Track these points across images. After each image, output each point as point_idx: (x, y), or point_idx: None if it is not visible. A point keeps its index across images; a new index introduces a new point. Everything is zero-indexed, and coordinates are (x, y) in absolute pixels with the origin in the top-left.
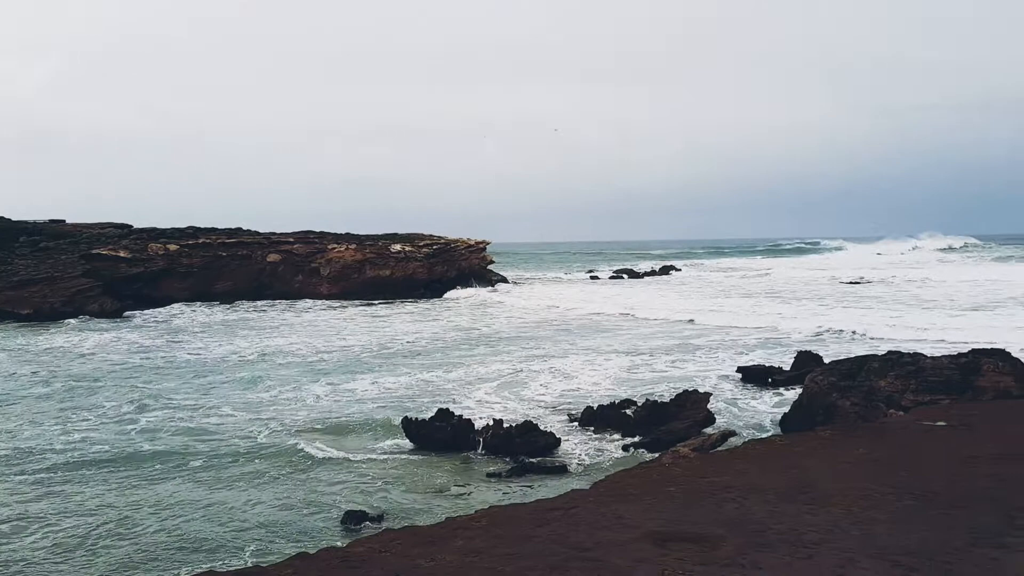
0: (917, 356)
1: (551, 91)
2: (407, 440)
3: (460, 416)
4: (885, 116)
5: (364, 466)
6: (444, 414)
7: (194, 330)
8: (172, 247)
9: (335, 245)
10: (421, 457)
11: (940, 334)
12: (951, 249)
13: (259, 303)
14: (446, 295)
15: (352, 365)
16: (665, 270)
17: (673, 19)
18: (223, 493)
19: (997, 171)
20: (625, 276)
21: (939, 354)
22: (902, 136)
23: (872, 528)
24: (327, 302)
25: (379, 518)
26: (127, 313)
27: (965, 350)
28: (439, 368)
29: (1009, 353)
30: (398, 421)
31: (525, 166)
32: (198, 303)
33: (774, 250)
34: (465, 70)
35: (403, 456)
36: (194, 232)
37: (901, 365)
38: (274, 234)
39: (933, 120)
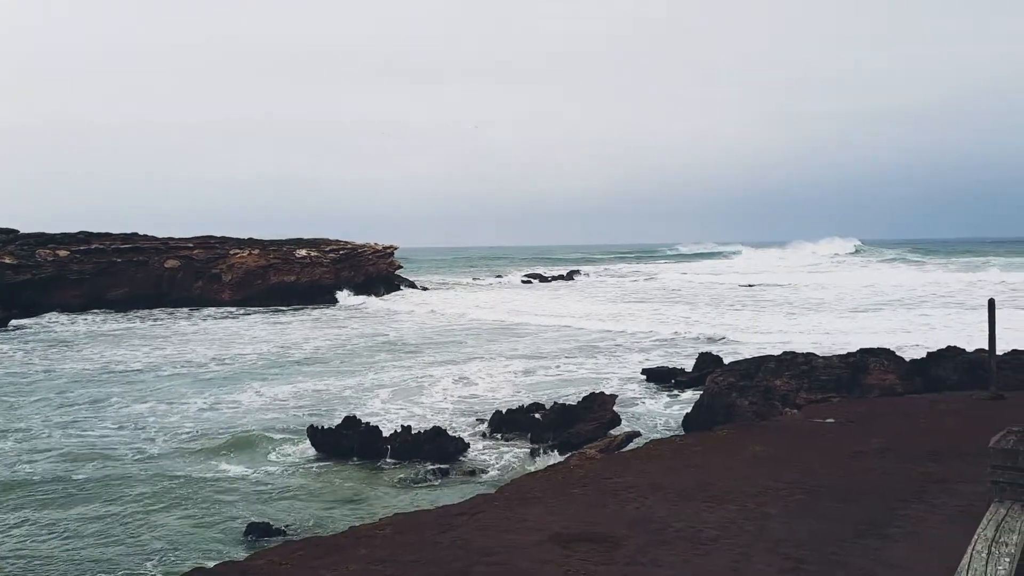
0: (810, 356)
1: (462, 92)
2: (311, 449)
3: (367, 423)
4: (786, 126)
5: (267, 477)
6: (351, 421)
7: (79, 340)
8: (62, 253)
9: (237, 250)
10: (327, 466)
11: (832, 335)
12: (845, 253)
13: (156, 311)
14: (352, 301)
15: (245, 374)
16: (571, 275)
17: (591, 21)
18: (117, 512)
19: (886, 178)
20: (534, 281)
21: (831, 354)
22: (799, 146)
23: (765, 523)
24: (229, 309)
25: (283, 530)
26: (13, 323)
27: (854, 349)
28: (337, 376)
29: (893, 352)
30: (296, 431)
31: (434, 169)
32: (90, 311)
33: (677, 255)
34: (371, 70)
35: (308, 466)
36: (86, 237)
37: (795, 365)
38: (172, 239)
39: (830, 129)
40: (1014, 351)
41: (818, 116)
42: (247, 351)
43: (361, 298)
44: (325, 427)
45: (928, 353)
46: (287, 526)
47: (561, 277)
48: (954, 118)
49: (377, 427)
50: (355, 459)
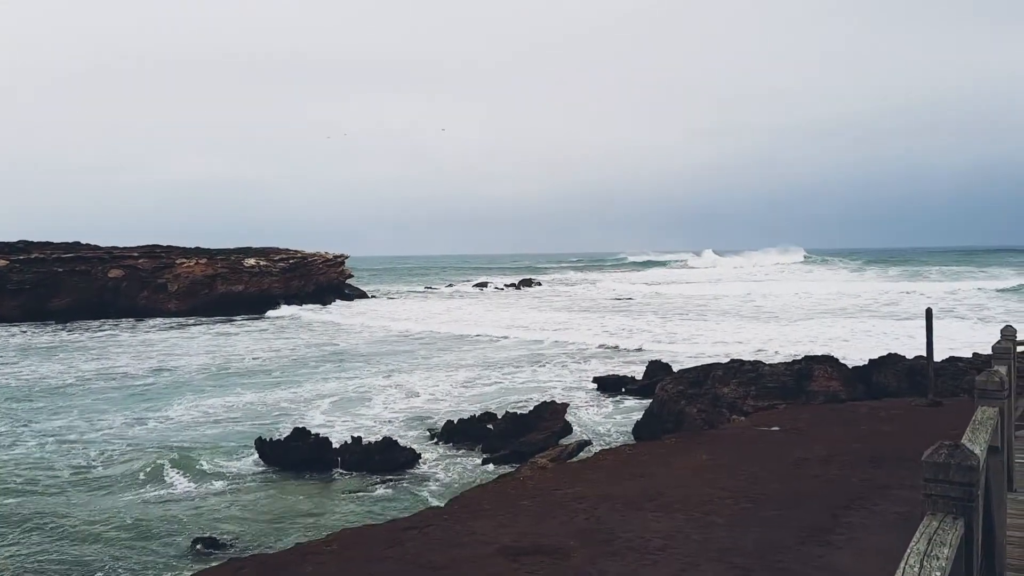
0: (757, 364)
1: (411, 102)
2: (253, 462)
3: (317, 434)
4: (728, 137)
5: (212, 491)
6: (300, 433)
7: (9, 353)
8: (1, 262)
9: (184, 260)
10: (275, 479)
11: (775, 343)
12: (792, 263)
13: (99, 322)
14: (302, 310)
15: (184, 387)
16: (522, 284)
17: (541, 32)
18: (55, 530)
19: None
20: (485, 289)
21: (776, 361)
22: (742, 157)
23: (712, 532)
24: (176, 319)
25: (231, 544)
26: None
27: (799, 356)
28: (278, 387)
29: (837, 359)
30: (238, 443)
31: (385, 177)
32: (30, 322)
33: (625, 264)
34: (321, 78)
35: (254, 479)
36: (26, 246)
37: (742, 372)
38: (116, 248)
39: (772, 142)
40: (951, 358)
41: (759, 128)
42: (187, 363)
43: (311, 307)
44: (273, 439)
45: (870, 360)
46: (235, 538)
47: (512, 286)
48: (890, 132)
49: (327, 438)
50: (304, 471)
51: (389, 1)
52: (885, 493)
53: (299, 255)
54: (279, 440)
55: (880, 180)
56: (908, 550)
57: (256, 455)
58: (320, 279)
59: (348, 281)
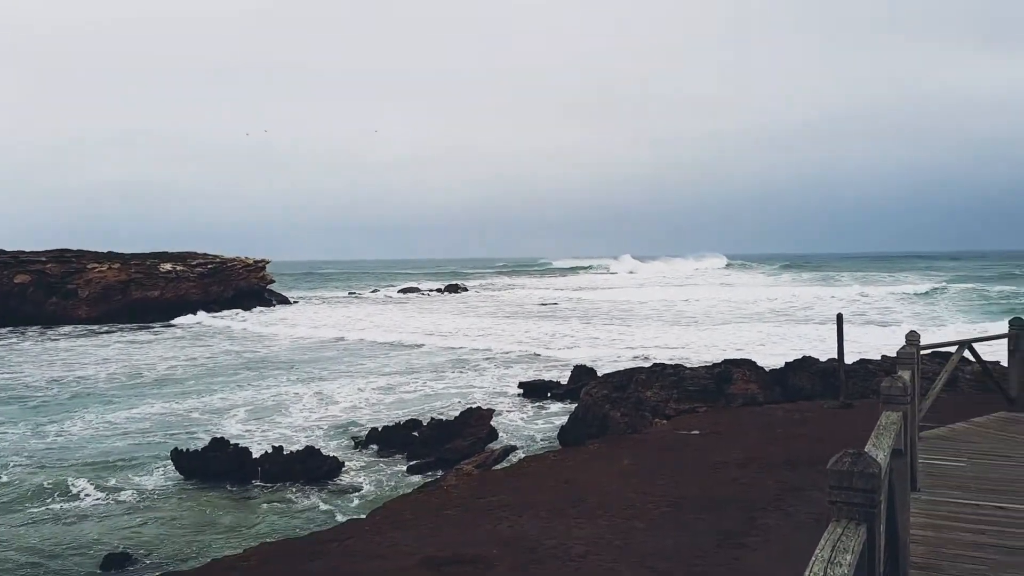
0: (679, 367)
1: (337, 106)
2: (166, 474)
3: (236, 444)
4: (651, 146)
5: (123, 506)
6: (218, 443)
7: None
8: None
9: (96, 264)
10: (191, 492)
11: (696, 348)
12: (714, 268)
13: (4, 330)
14: (218, 317)
15: (87, 398)
16: (448, 289)
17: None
18: None
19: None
20: (410, 295)
21: (698, 365)
22: (664, 165)
23: (633, 537)
24: (87, 326)
25: (144, 561)
26: None
27: (719, 360)
28: (191, 396)
29: (755, 363)
30: (152, 455)
31: (311, 181)
32: None
33: (551, 269)
34: (242, 81)
35: (170, 492)
36: None
37: (665, 376)
38: (23, 252)
39: (693, 151)
40: (861, 360)
41: (680, 138)
42: (95, 372)
43: (230, 313)
44: (189, 450)
45: (786, 363)
46: (150, 554)
47: (438, 291)
48: (809, 142)
49: (247, 448)
50: (223, 482)
51: (316, 6)
52: (799, 495)
53: (218, 260)
54: (196, 451)
55: (796, 186)
56: (813, 557)
57: (171, 466)
58: (240, 284)
59: (269, 287)
